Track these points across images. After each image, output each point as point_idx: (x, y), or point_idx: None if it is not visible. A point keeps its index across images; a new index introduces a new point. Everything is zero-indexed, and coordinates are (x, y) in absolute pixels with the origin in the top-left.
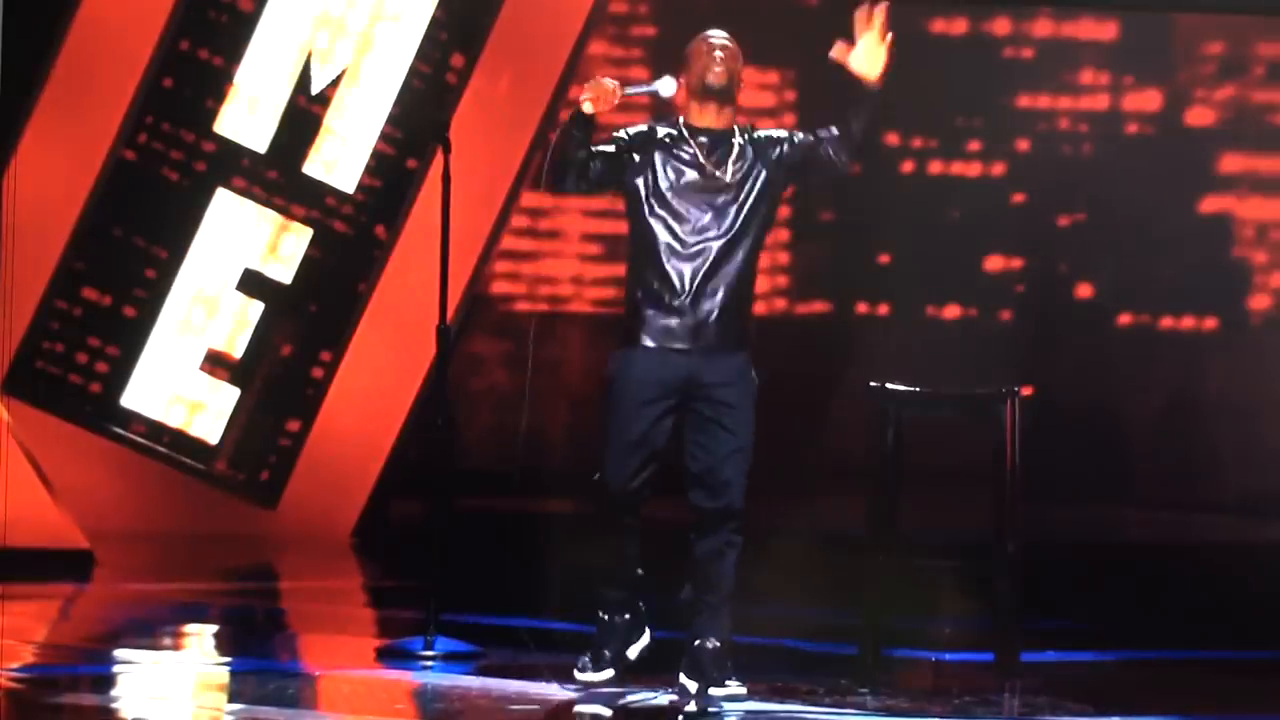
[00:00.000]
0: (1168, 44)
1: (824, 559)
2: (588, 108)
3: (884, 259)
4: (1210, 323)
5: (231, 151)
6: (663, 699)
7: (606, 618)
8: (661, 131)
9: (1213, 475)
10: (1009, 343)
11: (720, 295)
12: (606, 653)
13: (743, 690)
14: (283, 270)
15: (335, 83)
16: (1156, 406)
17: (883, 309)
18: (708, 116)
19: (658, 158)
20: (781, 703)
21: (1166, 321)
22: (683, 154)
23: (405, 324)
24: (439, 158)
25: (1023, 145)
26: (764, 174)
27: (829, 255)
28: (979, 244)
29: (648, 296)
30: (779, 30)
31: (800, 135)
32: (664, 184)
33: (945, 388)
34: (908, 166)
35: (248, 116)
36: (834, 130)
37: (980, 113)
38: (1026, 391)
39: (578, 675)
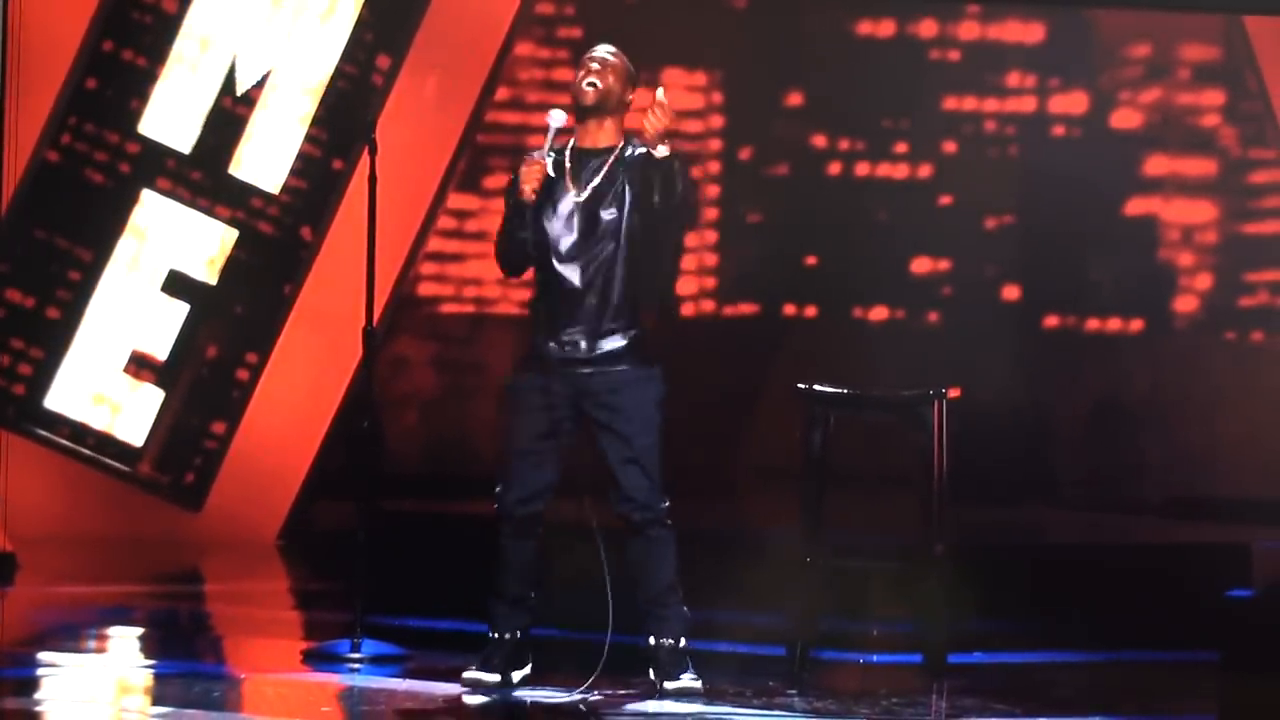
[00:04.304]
0: (1093, 46)
1: (752, 561)
2: (529, 193)
3: (811, 261)
4: (1136, 325)
5: (156, 152)
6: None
7: (495, 635)
8: (557, 167)
9: (1139, 477)
10: (936, 344)
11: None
12: (496, 660)
13: (697, 684)
14: (208, 272)
15: (260, 83)
16: (1083, 408)
17: (810, 311)
18: (588, 135)
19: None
20: (710, 704)
21: (1093, 323)
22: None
23: (331, 326)
24: (365, 159)
25: (950, 147)
26: (628, 190)
27: (756, 257)
28: (906, 246)
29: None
30: (705, 31)
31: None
32: (545, 210)
33: (872, 390)
34: (834, 168)
35: (172, 117)
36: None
37: (907, 115)
38: (953, 393)
39: (466, 675)
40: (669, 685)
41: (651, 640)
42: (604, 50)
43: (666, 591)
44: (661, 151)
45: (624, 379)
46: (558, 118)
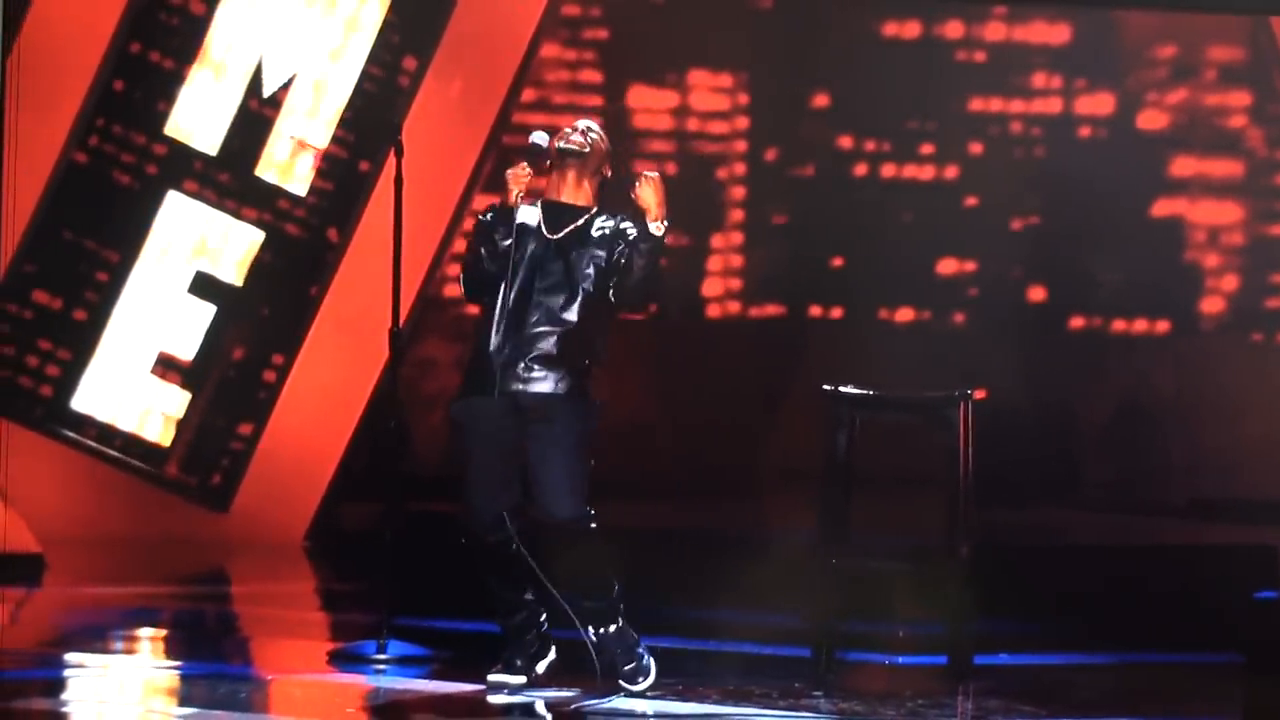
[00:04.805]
0: (1119, 47)
1: (777, 562)
2: (512, 197)
3: (837, 262)
4: (1162, 326)
5: (183, 154)
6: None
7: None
8: (530, 214)
9: (1164, 478)
10: (962, 346)
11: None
12: (518, 661)
13: (652, 676)
14: (234, 273)
15: (287, 85)
16: (1109, 409)
17: (836, 312)
18: (565, 188)
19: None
20: (735, 706)
21: (1119, 324)
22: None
23: (357, 327)
24: (391, 160)
25: (975, 148)
26: (602, 250)
27: (782, 258)
28: (932, 247)
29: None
30: (731, 33)
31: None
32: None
33: (898, 391)
34: (860, 169)
35: (199, 119)
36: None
37: (933, 116)
38: (979, 395)
39: (490, 678)
40: (634, 687)
41: (591, 630)
42: (589, 121)
43: (599, 585)
44: (656, 229)
45: (560, 400)
46: (541, 137)
